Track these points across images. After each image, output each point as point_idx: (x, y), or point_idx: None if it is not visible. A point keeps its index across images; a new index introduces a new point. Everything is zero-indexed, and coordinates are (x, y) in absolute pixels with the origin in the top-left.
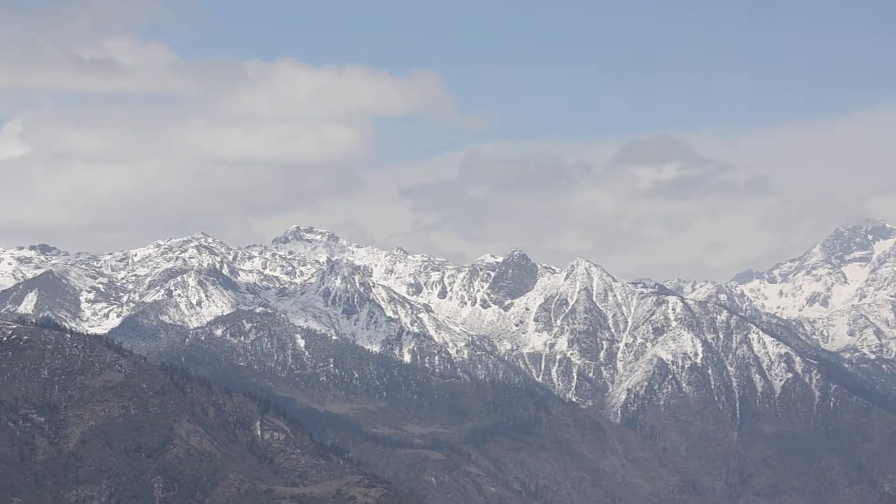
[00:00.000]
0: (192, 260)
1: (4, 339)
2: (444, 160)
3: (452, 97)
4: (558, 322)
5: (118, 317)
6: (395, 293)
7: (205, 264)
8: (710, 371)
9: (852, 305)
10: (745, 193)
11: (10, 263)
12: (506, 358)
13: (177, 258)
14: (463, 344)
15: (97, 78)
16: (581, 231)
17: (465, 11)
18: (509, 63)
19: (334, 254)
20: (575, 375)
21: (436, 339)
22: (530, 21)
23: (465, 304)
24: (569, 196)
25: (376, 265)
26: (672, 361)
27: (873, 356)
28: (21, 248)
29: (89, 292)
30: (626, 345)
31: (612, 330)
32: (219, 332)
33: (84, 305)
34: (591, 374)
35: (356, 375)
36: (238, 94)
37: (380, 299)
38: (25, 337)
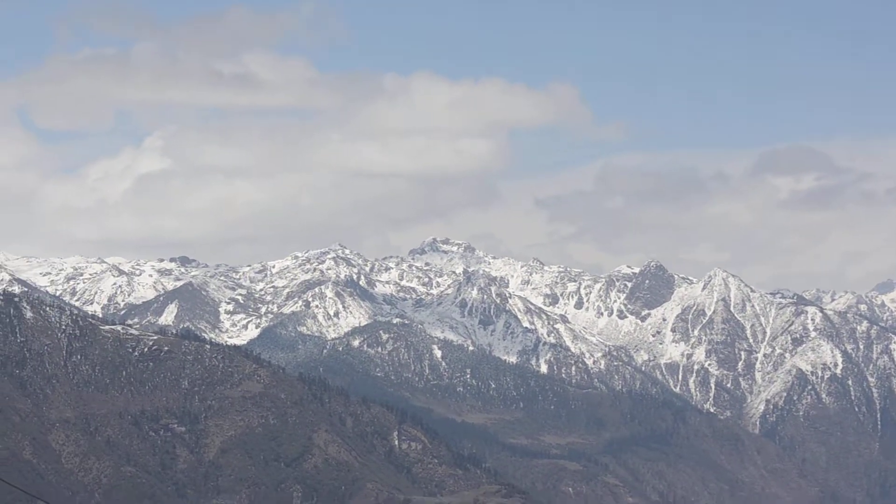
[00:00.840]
0: (329, 271)
1: (146, 350)
2: (580, 171)
3: (588, 109)
4: (695, 332)
5: (257, 328)
6: (532, 304)
7: (342, 276)
8: (850, 382)
9: None
10: (884, 203)
11: (150, 275)
12: (643, 368)
13: (314, 270)
14: (600, 354)
15: (236, 93)
16: (717, 242)
17: (601, 24)
18: (645, 74)
19: (470, 265)
20: (713, 386)
21: (572, 349)
22: (666, 33)
23: (602, 314)
24: (705, 207)
25: (512, 276)
26: (811, 372)
27: None
28: (161, 261)
29: (228, 304)
30: (764, 355)
31: (751, 340)
32: (356, 343)
33: (223, 317)
34: (728, 385)
35: (493, 386)
36: (375, 108)
37: (516, 310)
38: (166, 348)
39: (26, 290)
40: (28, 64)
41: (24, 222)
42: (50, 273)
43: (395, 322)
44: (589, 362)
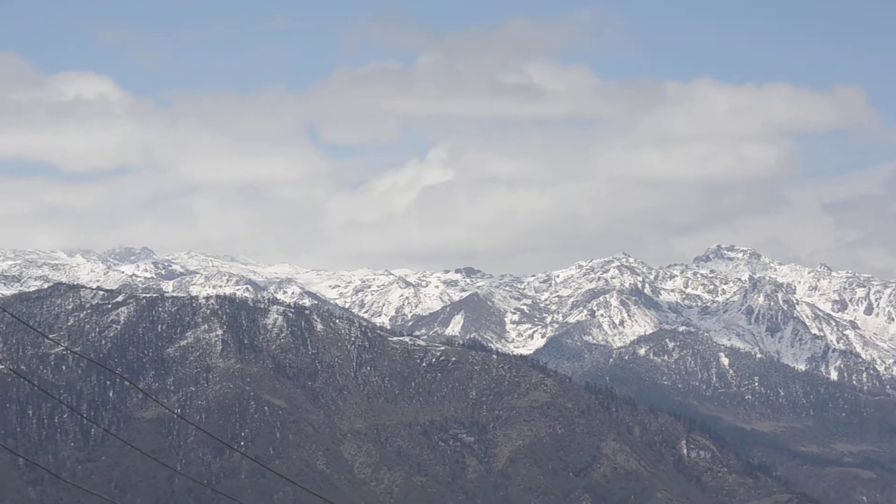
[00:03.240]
0: (613, 280)
1: (433, 360)
2: (867, 175)
3: (877, 112)
4: None
5: (542, 337)
6: (820, 310)
7: (626, 284)
8: None
9: None
10: None
11: (437, 287)
12: None
13: (598, 278)
14: (892, 361)
15: (518, 103)
16: None
17: (887, 24)
18: None
19: (756, 271)
20: None
21: (863, 356)
22: None
23: (893, 320)
24: None
25: (799, 282)
26: None
27: None
28: (447, 272)
29: (514, 313)
30: None
31: None
32: (642, 352)
33: (509, 326)
34: None
35: (782, 394)
36: (657, 115)
37: (804, 316)
38: (453, 358)
39: (316, 302)
40: (315, 76)
41: (313, 236)
42: (339, 286)
43: (680, 330)
44: (880, 368)
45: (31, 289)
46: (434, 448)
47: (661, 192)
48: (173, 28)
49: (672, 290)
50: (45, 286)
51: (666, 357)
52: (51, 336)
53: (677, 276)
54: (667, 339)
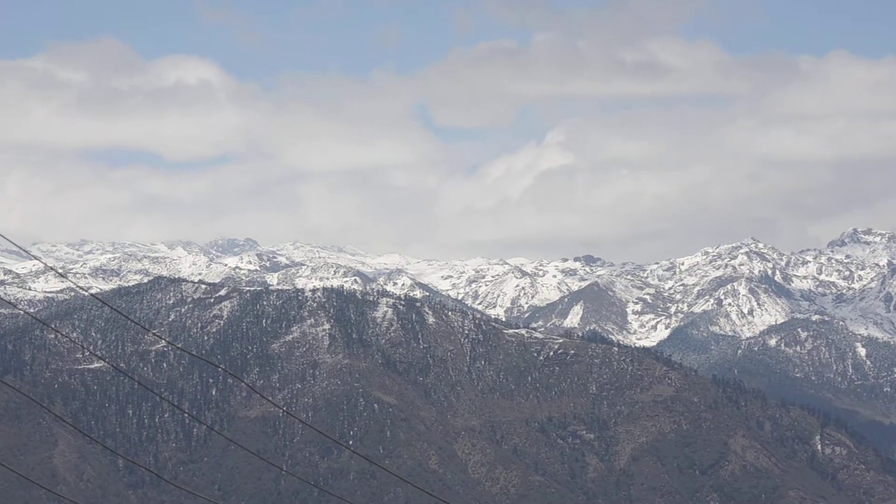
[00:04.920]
0: (742, 267)
1: (551, 353)
2: None
3: None
4: None
5: (666, 328)
6: None
7: (756, 271)
8: None
9: None
10: None
11: (554, 276)
12: None
13: (726, 266)
14: None
15: (641, 81)
16: None
17: None
18: None
19: (895, 256)
20: None
21: None
22: None
23: None
24: None
25: None
26: None
27: None
28: (565, 260)
29: (636, 303)
30: None
31: None
32: (772, 342)
33: (631, 317)
34: None
35: None
36: (789, 92)
37: None
38: (572, 351)
39: (428, 294)
40: (428, 57)
41: (424, 224)
42: (451, 276)
43: (814, 319)
44: None
45: (131, 283)
46: (552, 446)
47: (793, 173)
48: (278, 9)
49: (805, 277)
50: (145, 280)
51: (798, 348)
52: (153, 331)
53: (810, 261)
54: (799, 329)
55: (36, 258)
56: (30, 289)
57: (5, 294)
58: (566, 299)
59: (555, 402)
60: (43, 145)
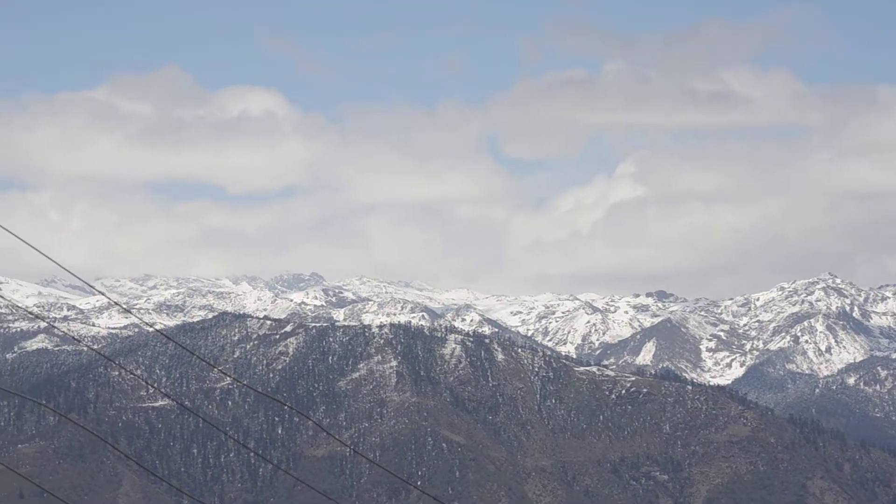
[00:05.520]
0: (819, 303)
1: (623, 392)
2: None
3: None
4: None
5: (741, 366)
6: None
7: (833, 307)
8: None
9: None
10: None
11: (626, 312)
12: None
13: (802, 301)
14: None
15: (714, 111)
16: None
17: None
18: None
19: None
20: None
21: None
22: None
23: None
24: None
25: None
26: None
27: None
28: (637, 296)
29: (710, 340)
30: None
31: None
32: (851, 381)
33: (705, 354)
34: None
35: None
36: (867, 122)
37: None
38: (645, 389)
39: (497, 330)
40: (496, 87)
41: (493, 258)
42: (521, 312)
43: (894, 357)
44: None
45: (195, 319)
46: (625, 487)
47: (871, 206)
48: (343, 39)
49: (884, 314)
50: (210, 316)
51: (878, 387)
52: (218, 369)
53: (889, 297)
54: (879, 367)
55: (101, 293)
56: (93, 325)
57: (69, 330)
58: (638, 336)
59: (627, 442)
60: (106, 177)
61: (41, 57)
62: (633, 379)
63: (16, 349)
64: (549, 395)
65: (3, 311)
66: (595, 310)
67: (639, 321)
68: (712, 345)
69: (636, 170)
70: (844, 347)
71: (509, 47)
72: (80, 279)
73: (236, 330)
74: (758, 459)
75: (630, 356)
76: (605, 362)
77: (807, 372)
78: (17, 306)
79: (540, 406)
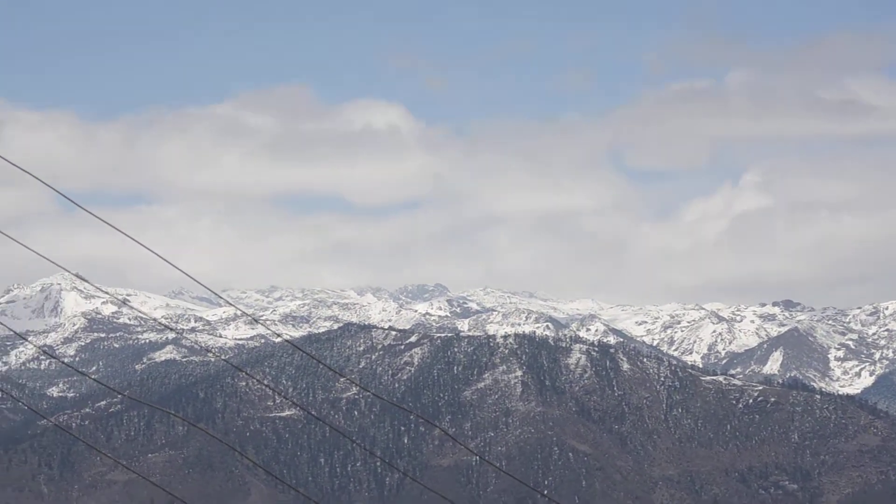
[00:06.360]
0: None
1: (751, 401)
2: None
3: None
4: None
5: (871, 375)
6: None
7: None
8: None
9: None
10: None
11: (752, 321)
12: None
13: None
14: None
15: (841, 120)
16: None
17: None
18: None
19: None
20: None
21: None
22: None
23: None
24: None
25: None
26: None
27: None
28: (763, 305)
29: (838, 349)
30: None
31: None
32: None
33: (833, 364)
34: None
35: None
36: None
37: None
38: (773, 399)
39: (622, 340)
40: (620, 98)
41: (617, 269)
42: (646, 321)
43: None
44: None
45: (321, 330)
46: (754, 496)
47: None
48: (465, 52)
49: None
50: (335, 327)
51: None
52: (343, 379)
53: None
54: None
55: (230, 303)
56: (220, 336)
57: (196, 341)
58: (765, 345)
59: (755, 452)
60: (232, 191)
61: (168, 72)
62: (761, 388)
63: (144, 360)
64: (675, 404)
65: (132, 322)
66: (721, 319)
67: (765, 330)
68: (840, 354)
69: (761, 179)
70: None
71: (633, 59)
72: (210, 290)
73: (361, 340)
74: (889, 469)
75: (757, 365)
76: (732, 371)
77: None
78: (146, 317)
79: (666, 415)
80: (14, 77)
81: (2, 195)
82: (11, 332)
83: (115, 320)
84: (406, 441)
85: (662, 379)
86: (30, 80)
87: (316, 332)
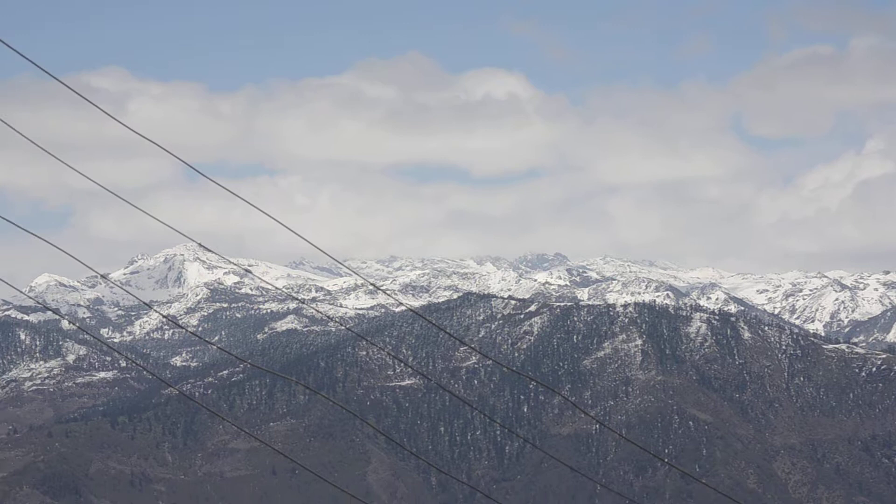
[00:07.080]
0: None
1: (874, 369)
2: None
3: None
4: None
5: None
6: None
7: None
8: None
9: None
10: None
11: (876, 289)
12: None
13: None
14: None
15: None
16: None
17: None
18: None
19: None
20: None
21: None
22: None
23: None
24: None
25: None
26: None
27: None
28: (887, 273)
29: None
30: None
31: None
32: None
33: None
34: None
35: None
36: None
37: None
38: None
39: (743, 308)
40: (741, 66)
41: (738, 237)
42: (767, 290)
43: None
44: None
45: (440, 299)
46: (877, 465)
47: None
48: (586, 21)
49: None
50: (455, 296)
51: None
52: (462, 349)
53: None
54: None
55: (354, 272)
56: (340, 305)
57: (318, 310)
58: (889, 313)
59: (878, 420)
60: (352, 162)
61: (288, 44)
62: (885, 356)
63: (266, 330)
64: (797, 373)
65: (253, 292)
66: (843, 287)
67: (889, 298)
68: None
69: (886, 146)
70: None
71: (754, 25)
72: (333, 259)
73: (481, 310)
74: None
75: (880, 333)
76: (855, 340)
77: None
78: (269, 287)
79: (788, 384)
80: (138, 50)
81: (125, 166)
82: (135, 303)
83: (237, 290)
84: (525, 410)
85: (784, 347)
86: (153, 52)
87: (436, 301)
